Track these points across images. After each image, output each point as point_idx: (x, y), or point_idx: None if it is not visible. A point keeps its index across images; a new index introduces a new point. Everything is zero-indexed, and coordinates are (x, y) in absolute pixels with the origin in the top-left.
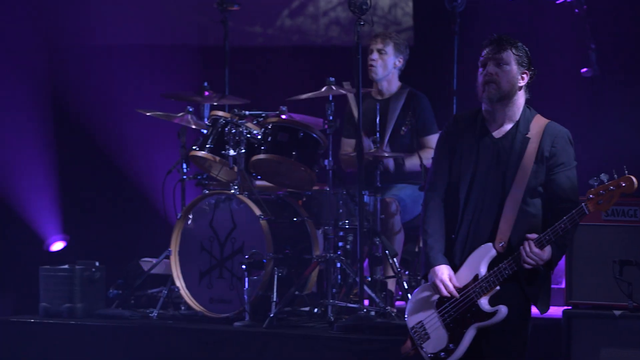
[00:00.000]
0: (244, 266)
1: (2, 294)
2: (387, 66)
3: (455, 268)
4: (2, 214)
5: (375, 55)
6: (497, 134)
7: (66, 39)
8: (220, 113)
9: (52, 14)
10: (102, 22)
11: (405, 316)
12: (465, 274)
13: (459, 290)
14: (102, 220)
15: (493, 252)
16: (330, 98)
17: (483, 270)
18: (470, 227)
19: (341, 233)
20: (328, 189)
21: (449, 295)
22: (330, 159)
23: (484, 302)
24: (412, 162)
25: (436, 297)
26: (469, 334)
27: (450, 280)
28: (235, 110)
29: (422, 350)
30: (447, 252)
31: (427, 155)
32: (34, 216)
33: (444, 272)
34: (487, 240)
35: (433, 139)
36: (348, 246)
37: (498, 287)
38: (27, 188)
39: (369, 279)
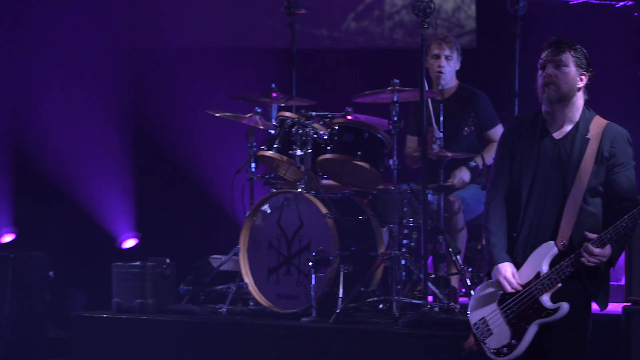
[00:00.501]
0: (310, 263)
1: (76, 289)
2: (452, 71)
3: (518, 266)
4: (76, 213)
5: (443, 62)
6: (558, 135)
7: (142, 42)
8: (287, 114)
9: (130, 17)
10: (175, 26)
11: (468, 312)
12: (528, 272)
13: (521, 287)
14: (172, 218)
15: (555, 250)
16: (395, 99)
17: (545, 268)
18: (531, 226)
19: (405, 231)
20: (393, 188)
21: (512, 291)
22: (395, 158)
23: (546, 299)
24: (479, 162)
25: (499, 293)
26: (531, 330)
27: (514, 277)
28: (302, 111)
29: (485, 345)
30: (509, 250)
31: (493, 151)
32: (106, 214)
33: (507, 269)
34: (548, 238)
35: (497, 131)
36: (412, 244)
37: (560, 285)
38: (101, 187)
39: (433, 275)
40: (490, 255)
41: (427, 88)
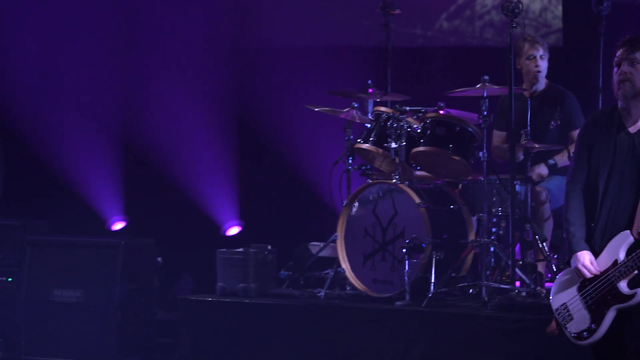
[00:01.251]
0: (404, 250)
1: (183, 274)
2: (546, 69)
3: (596, 254)
4: (183, 202)
5: (540, 62)
6: (633, 129)
7: (245, 41)
8: (382, 108)
9: (234, 17)
10: (276, 26)
11: (550, 298)
12: (605, 259)
13: (599, 274)
14: (274, 208)
15: (631, 239)
16: (485, 95)
17: (622, 256)
18: (608, 216)
19: (494, 219)
20: (482, 179)
21: (591, 277)
22: (485, 151)
23: (623, 285)
24: (562, 160)
25: (579, 280)
26: (610, 315)
27: (592, 264)
28: (397, 106)
29: (566, 330)
30: (587, 239)
31: None
32: (211, 203)
33: (585, 257)
34: (624, 228)
35: None
36: (501, 232)
37: (636, 272)
38: (207, 178)
39: (520, 262)
40: (570, 244)
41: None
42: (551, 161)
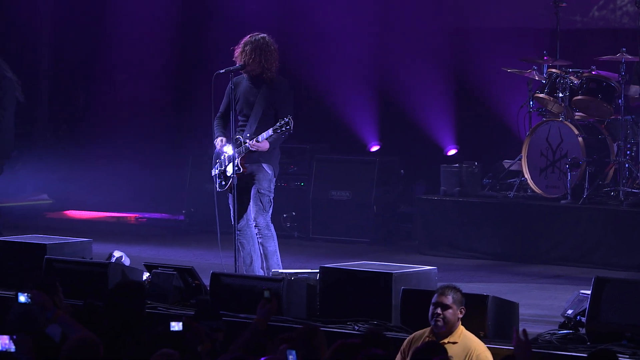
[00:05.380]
0: (567, 165)
1: (418, 181)
2: None
3: None
4: (418, 133)
5: None
6: None
7: (458, 23)
8: (553, 70)
9: (451, 5)
10: (481, 11)
11: None
12: None
13: None
14: (479, 136)
15: None
16: (623, 61)
17: None
18: None
19: (629, 145)
20: (620, 117)
21: None
22: (622, 99)
23: None
24: None
25: None
26: None
27: None
28: (563, 67)
29: None
30: None
31: None
32: (437, 133)
33: None
34: None
35: None
36: (633, 153)
37: None
38: (434, 117)
39: None
40: None
41: None
42: None
